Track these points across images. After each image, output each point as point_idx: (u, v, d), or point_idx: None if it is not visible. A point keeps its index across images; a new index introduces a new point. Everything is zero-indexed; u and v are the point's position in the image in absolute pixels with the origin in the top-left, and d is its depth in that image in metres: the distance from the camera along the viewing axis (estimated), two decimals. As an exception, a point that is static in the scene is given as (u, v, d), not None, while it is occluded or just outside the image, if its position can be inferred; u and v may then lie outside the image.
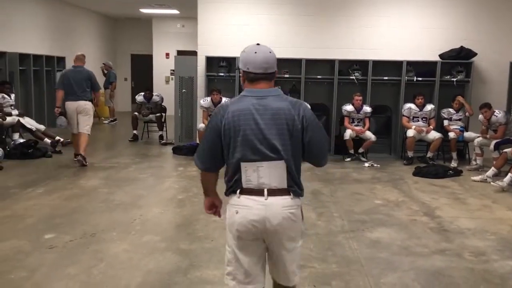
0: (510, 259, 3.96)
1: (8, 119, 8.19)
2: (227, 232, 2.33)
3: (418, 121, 8.13)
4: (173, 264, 3.70)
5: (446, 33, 8.68)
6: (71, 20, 12.91)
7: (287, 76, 8.68)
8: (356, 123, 8.25)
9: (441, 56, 8.57)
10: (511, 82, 8.43)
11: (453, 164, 7.74)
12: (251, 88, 2.28)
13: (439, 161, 8.03)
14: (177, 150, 8.55)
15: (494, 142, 7.19)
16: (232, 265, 2.28)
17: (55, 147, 8.20)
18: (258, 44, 2.32)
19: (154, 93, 10.22)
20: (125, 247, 4.04)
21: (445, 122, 8.16)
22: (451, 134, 7.89)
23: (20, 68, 9.95)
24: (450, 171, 7.18)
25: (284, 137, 2.20)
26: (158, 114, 9.90)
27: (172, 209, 5.28)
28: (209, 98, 8.13)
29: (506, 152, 6.68)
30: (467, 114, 8.14)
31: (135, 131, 9.95)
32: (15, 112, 8.48)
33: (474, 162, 7.67)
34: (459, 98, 8.15)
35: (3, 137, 8.11)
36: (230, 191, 2.28)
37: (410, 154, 8.00)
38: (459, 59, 8.48)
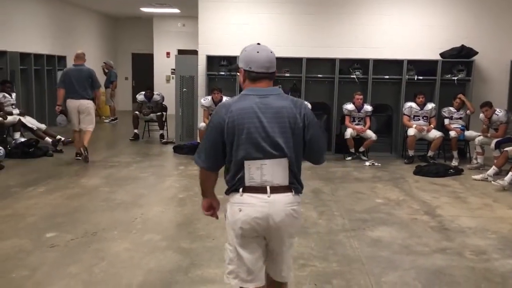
0: (511, 258, 3.96)
1: (9, 118, 8.20)
2: (228, 231, 2.33)
3: (419, 120, 8.12)
4: (174, 263, 3.71)
5: (447, 31, 8.68)
6: (72, 19, 12.91)
7: (288, 75, 8.68)
8: (357, 122, 8.24)
9: (442, 54, 8.56)
10: (512, 81, 8.45)
11: (454, 163, 7.74)
12: (253, 87, 2.30)
13: (440, 160, 8.03)
14: (178, 149, 8.56)
15: (495, 141, 7.19)
16: (234, 263, 2.29)
17: (56, 146, 8.20)
18: (258, 43, 2.34)
19: (155, 92, 10.23)
20: (126, 246, 4.04)
21: (446, 121, 8.16)
22: (452, 133, 7.88)
23: (21, 67, 9.96)
24: (451, 170, 7.18)
25: (286, 135, 2.24)
26: (159, 113, 9.90)
27: (173, 208, 5.29)
28: (210, 97, 8.13)
29: (507, 151, 6.67)
30: (468, 112, 8.14)
31: (136, 130, 9.96)
32: (16, 111, 8.50)
33: (475, 161, 7.67)
34: (461, 96, 8.15)
35: (4, 136, 8.11)
36: (232, 190, 2.29)
37: (411, 153, 8.00)
38: (460, 58, 8.47)
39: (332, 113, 8.73)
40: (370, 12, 8.83)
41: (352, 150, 8.22)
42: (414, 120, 8.13)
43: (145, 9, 13.50)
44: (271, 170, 2.23)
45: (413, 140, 7.96)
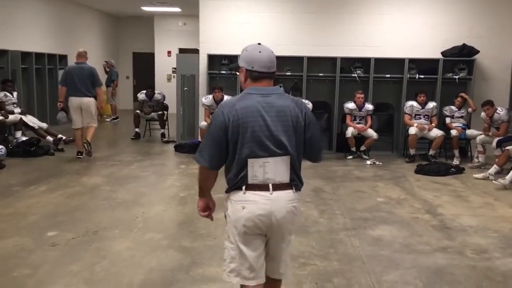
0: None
1: (11, 117, 8.20)
2: (230, 229, 2.34)
3: (420, 118, 8.12)
4: (175, 262, 3.71)
5: (448, 30, 8.66)
6: (73, 18, 12.92)
7: (289, 74, 8.68)
8: (358, 120, 8.24)
9: (443, 53, 8.55)
10: (513, 80, 8.44)
11: (455, 161, 7.73)
12: (254, 86, 2.32)
13: (441, 159, 8.02)
14: (179, 148, 8.56)
15: (496, 139, 7.19)
16: (237, 261, 2.31)
17: (58, 145, 8.22)
18: (259, 43, 2.37)
19: (156, 91, 10.23)
20: (128, 245, 4.05)
21: (447, 120, 8.16)
22: (453, 132, 7.88)
23: (22, 66, 9.96)
24: (452, 169, 7.17)
25: (289, 133, 2.28)
26: (160, 112, 9.91)
27: (174, 207, 5.29)
28: (211, 96, 8.14)
29: (508, 149, 6.66)
30: (469, 110, 8.13)
31: (137, 129, 9.96)
32: (17, 110, 8.50)
33: (476, 160, 7.66)
34: (462, 94, 8.16)
35: (6, 135, 8.11)
36: (234, 188, 2.30)
37: (412, 151, 8.00)
38: (462, 57, 8.46)
39: (333, 112, 8.73)
40: (371, 11, 8.82)
41: (353, 149, 8.22)
42: (415, 119, 8.12)
43: (146, 8, 13.50)
44: (273, 168, 2.26)
45: (414, 139, 7.95)
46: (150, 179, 6.54)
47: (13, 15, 10.04)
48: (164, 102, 10.12)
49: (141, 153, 8.35)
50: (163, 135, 9.79)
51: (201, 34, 9.00)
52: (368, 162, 7.87)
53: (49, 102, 10.84)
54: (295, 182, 2.33)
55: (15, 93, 8.67)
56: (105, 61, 13.33)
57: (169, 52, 15.05)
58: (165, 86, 13.44)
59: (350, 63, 8.70)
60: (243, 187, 2.27)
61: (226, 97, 7.84)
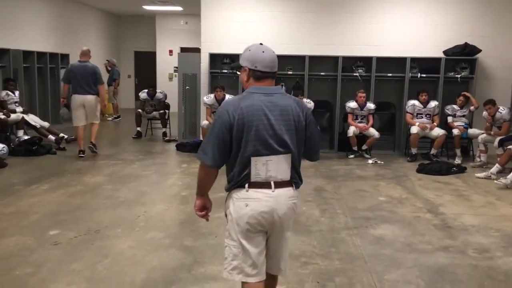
0: (514, 256, 3.96)
1: (13, 116, 8.22)
2: (232, 227, 2.35)
3: (422, 118, 8.11)
4: (177, 261, 3.72)
5: (450, 29, 8.65)
6: (75, 17, 12.92)
7: (291, 73, 8.68)
8: (359, 120, 8.23)
9: (445, 52, 8.54)
10: (515, 79, 8.42)
11: (457, 161, 7.72)
12: (257, 86, 2.34)
13: (443, 158, 8.02)
14: (180, 147, 8.56)
15: (498, 138, 7.17)
16: (239, 258, 2.34)
17: (59, 144, 8.23)
18: (261, 44, 2.40)
19: (157, 90, 10.24)
20: (130, 244, 4.06)
21: (449, 119, 8.14)
22: (455, 131, 7.86)
23: (24, 65, 9.97)
24: (454, 168, 7.16)
25: (291, 132, 2.33)
26: (161, 111, 9.91)
27: (176, 205, 5.29)
28: (212, 95, 8.13)
29: (510, 148, 6.65)
30: (472, 108, 8.11)
31: (138, 128, 9.98)
32: (19, 109, 8.51)
33: (478, 159, 7.65)
34: (465, 92, 8.15)
35: (8, 134, 8.13)
36: (236, 186, 2.33)
37: (413, 151, 7.99)
38: (464, 56, 8.45)
39: (335, 111, 8.72)
40: (373, 10, 8.81)
41: (355, 148, 8.22)
42: (417, 118, 8.12)
43: (148, 7, 13.51)
44: (276, 166, 2.30)
45: (416, 138, 7.94)
46: (151, 178, 6.55)
47: (15, 14, 10.05)
48: (166, 101, 10.14)
49: (143, 152, 8.36)
50: (164, 134, 9.79)
51: (203, 33, 9.01)
52: (370, 161, 7.87)
53: (51, 101, 10.86)
54: (295, 180, 2.38)
55: (17, 92, 8.67)
56: (107, 60, 13.35)
57: (170, 51, 15.06)
58: (167, 85, 13.47)
59: (352, 62, 8.69)
60: (246, 185, 2.30)
61: (227, 96, 7.84)
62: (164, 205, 5.26)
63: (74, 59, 11.12)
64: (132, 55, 16.07)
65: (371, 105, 8.20)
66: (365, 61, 8.60)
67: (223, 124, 2.26)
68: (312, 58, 8.61)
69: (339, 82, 8.57)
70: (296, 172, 2.39)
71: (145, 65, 15.64)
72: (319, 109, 8.46)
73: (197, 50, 9.48)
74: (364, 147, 8.21)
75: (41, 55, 10.62)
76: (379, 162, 7.80)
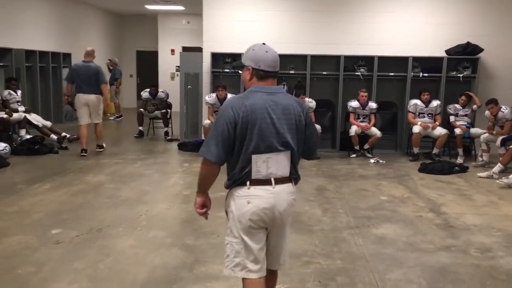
0: (516, 256, 3.95)
1: (15, 115, 8.24)
2: (234, 224, 2.38)
3: (424, 117, 8.09)
4: (179, 260, 3.72)
5: (452, 28, 8.64)
6: (77, 16, 12.94)
7: (293, 72, 8.67)
8: (361, 119, 8.23)
9: (447, 51, 8.52)
10: (517, 78, 8.40)
11: (459, 160, 7.71)
12: (260, 85, 2.38)
13: (445, 157, 8.01)
14: (182, 146, 8.57)
15: (500, 138, 7.16)
16: (242, 255, 2.38)
17: (62, 143, 8.24)
18: (264, 43, 2.44)
19: (159, 90, 10.25)
20: (131, 243, 4.06)
21: (451, 118, 8.13)
22: (457, 130, 7.85)
23: (26, 64, 9.98)
24: (456, 168, 7.15)
25: (292, 131, 2.39)
26: (163, 111, 9.92)
27: (177, 205, 5.30)
28: (214, 95, 8.13)
29: (512, 148, 6.65)
30: (474, 106, 8.09)
31: (140, 128, 9.98)
32: (21, 108, 8.53)
33: (480, 158, 7.64)
34: (468, 92, 8.14)
35: (10, 133, 8.15)
36: (238, 183, 2.36)
37: (416, 150, 7.98)
38: (466, 55, 8.44)
39: (336, 110, 8.72)
40: (375, 9, 8.80)
41: (357, 147, 8.21)
42: (419, 118, 8.11)
43: (150, 7, 13.51)
44: (275, 163, 2.35)
45: (418, 138, 7.93)
46: (153, 177, 6.56)
47: (17, 13, 10.07)
48: (168, 100, 10.14)
49: (145, 151, 8.36)
50: (166, 133, 9.80)
51: (205, 32, 9.01)
52: (372, 160, 7.86)
53: (53, 100, 10.87)
54: (294, 176, 2.44)
55: (19, 92, 8.70)
56: (109, 59, 13.37)
57: (172, 51, 15.07)
58: (169, 85, 13.47)
59: (354, 61, 8.69)
60: (247, 183, 2.33)
61: (229, 96, 7.84)
62: (166, 204, 5.27)
63: (76, 58, 11.16)
64: (134, 54, 16.08)
65: (373, 105, 8.19)
66: (367, 60, 8.59)
67: (228, 121, 2.28)
68: (314, 58, 8.61)
69: (341, 81, 8.57)
70: (295, 169, 2.45)
71: (147, 64, 15.65)
72: (321, 108, 8.45)
73: (199, 50, 9.48)
74: (366, 146, 8.20)
75: (43, 54, 10.64)
76: (381, 161, 7.79)
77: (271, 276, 2.56)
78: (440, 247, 4.11)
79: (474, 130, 8.03)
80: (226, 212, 2.46)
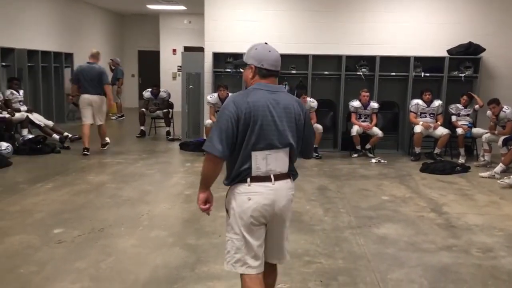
0: (517, 256, 3.95)
1: (17, 115, 8.25)
2: (235, 220, 2.41)
3: (426, 117, 8.09)
4: (180, 259, 3.72)
5: (454, 28, 8.63)
6: (79, 16, 12.95)
7: (294, 72, 8.67)
8: (363, 119, 8.23)
9: (449, 51, 8.52)
10: (519, 78, 8.39)
11: (461, 160, 7.70)
12: (262, 83, 2.42)
13: (447, 157, 8.00)
14: (184, 146, 8.58)
15: (502, 138, 7.15)
16: (242, 251, 2.41)
17: (64, 142, 8.26)
18: (266, 43, 2.48)
19: (161, 89, 10.26)
20: (133, 242, 4.07)
21: (453, 118, 8.13)
22: (459, 130, 7.85)
23: (29, 64, 10.01)
24: (458, 167, 7.15)
25: (292, 129, 2.43)
26: (165, 110, 9.93)
27: (179, 204, 5.30)
28: (216, 94, 8.14)
29: (514, 148, 6.65)
30: (476, 106, 8.08)
31: (142, 127, 9.99)
32: (23, 108, 8.55)
33: (482, 158, 7.63)
34: (470, 93, 8.13)
35: (12, 133, 8.16)
36: (238, 180, 2.38)
37: (417, 150, 7.97)
38: (467, 55, 8.43)
39: (338, 110, 8.72)
40: (377, 9, 8.79)
41: (359, 147, 8.21)
42: (420, 117, 8.10)
43: (152, 6, 13.53)
44: (275, 160, 2.39)
45: (419, 137, 7.93)
46: (155, 177, 6.57)
47: (19, 13, 10.08)
48: (169, 100, 10.15)
49: (147, 151, 8.37)
50: (168, 133, 9.81)
51: (206, 32, 9.01)
52: (373, 160, 7.86)
53: (55, 100, 10.88)
54: (292, 172, 2.49)
55: (21, 91, 8.72)
56: (111, 59, 13.38)
57: (174, 50, 15.08)
58: (170, 84, 13.48)
59: (355, 61, 8.69)
60: (248, 179, 2.36)
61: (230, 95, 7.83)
62: (168, 204, 5.28)
63: (78, 58, 11.21)
64: (136, 54, 16.09)
65: (374, 104, 8.19)
66: (369, 60, 8.59)
67: (231, 116, 2.31)
68: (316, 57, 8.61)
69: (342, 81, 8.57)
70: (293, 165, 2.50)
71: (149, 64, 15.67)
72: (323, 108, 8.45)
73: (201, 49, 9.49)
74: (368, 146, 8.20)
75: (45, 54, 10.65)
76: (382, 161, 7.79)
77: (270, 271, 2.59)
78: (442, 247, 4.11)
79: (475, 130, 8.02)
80: (227, 210, 2.48)
